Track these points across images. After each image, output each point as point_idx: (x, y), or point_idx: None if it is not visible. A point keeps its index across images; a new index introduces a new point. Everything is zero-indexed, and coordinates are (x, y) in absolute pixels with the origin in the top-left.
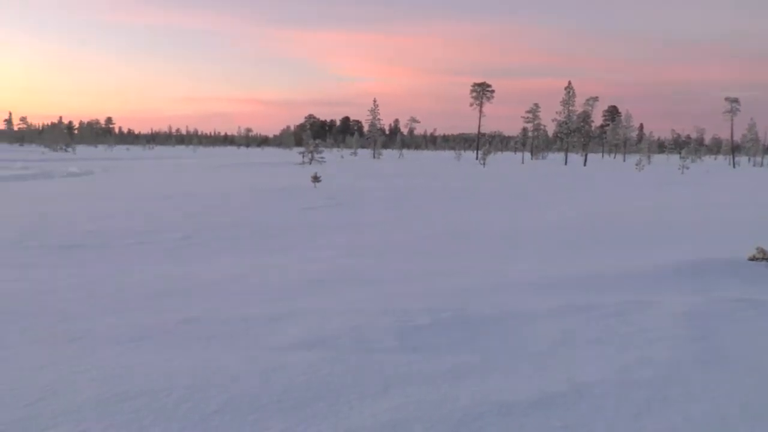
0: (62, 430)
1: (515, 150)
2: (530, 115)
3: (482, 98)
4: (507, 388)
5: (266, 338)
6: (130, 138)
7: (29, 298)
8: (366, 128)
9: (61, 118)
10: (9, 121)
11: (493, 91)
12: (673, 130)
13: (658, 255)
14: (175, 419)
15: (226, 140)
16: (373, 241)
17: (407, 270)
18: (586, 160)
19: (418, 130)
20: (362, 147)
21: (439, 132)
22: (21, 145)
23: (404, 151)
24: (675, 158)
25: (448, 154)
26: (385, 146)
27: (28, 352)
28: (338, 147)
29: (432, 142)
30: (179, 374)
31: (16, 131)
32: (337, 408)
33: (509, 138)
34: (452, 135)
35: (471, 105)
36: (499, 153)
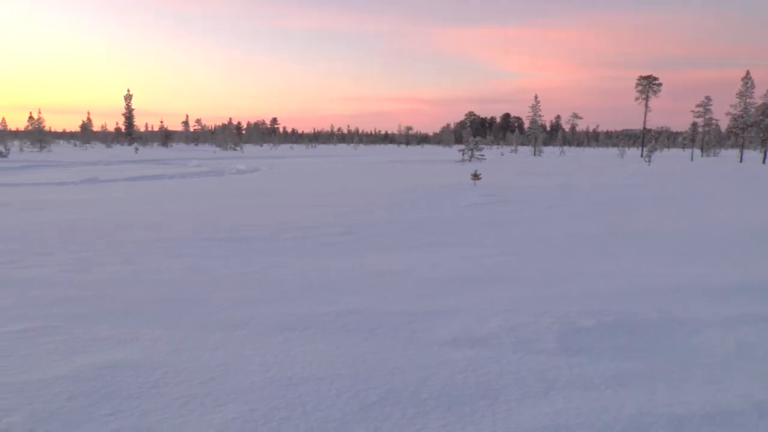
0: (232, 407)
1: (683, 146)
2: (701, 109)
3: (648, 92)
4: (676, 400)
5: (426, 334)
6: (293, 137)
7: (201, 286)
8: (526, 125)
9: (230, 119)
10: (186, 123)
11: (660, 85)
12: None
13: None
14: (336, 407)
15: (387, 138)
16: (531, 239)
17: (567, 269)
18: (765, 157)
19: (580, 127)
20: (522, 144)
21: (602, 128)
22: (196, 144)
23: (565, 148)
24: None
25: (611, 151)
26: (545, 143)
27: (201, 335)
28: (498, 144)
29: (594, 138)
30: (340, 364)
31: (191, 132)
32: (496, 408)
33: (677, 134)
34: (616, 131)
35: (636, 99)
36: (666, 150)
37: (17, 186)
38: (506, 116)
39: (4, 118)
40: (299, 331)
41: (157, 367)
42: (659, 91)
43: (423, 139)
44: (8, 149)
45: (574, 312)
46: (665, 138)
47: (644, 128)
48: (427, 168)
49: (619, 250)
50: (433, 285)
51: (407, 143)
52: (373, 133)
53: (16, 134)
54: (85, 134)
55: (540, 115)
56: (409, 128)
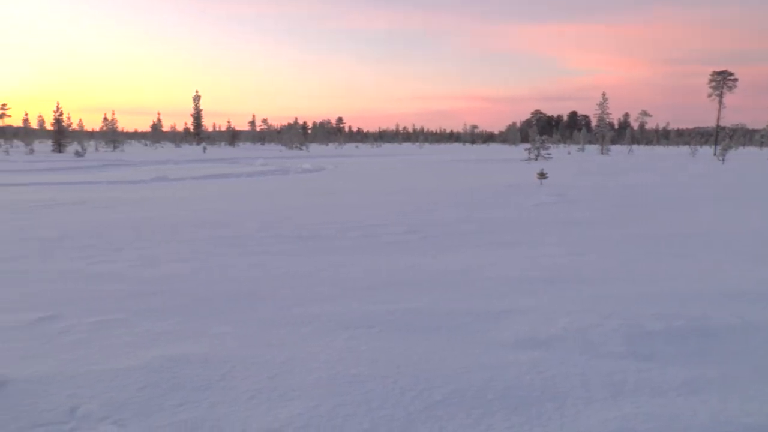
0: (298, 403)
1: (761, 144)
2: None
3: (722, 88)
4: (754, 410)
5: (490, 334)
6: (358, 136)
7: (267, 283)
8: (594, 123)
9: (296, 118)
10: (252, 123)
11: (735, 80)
12: None
13: None
14: (401, 405)
15: (452, 137)
16: (599, 239)
17: (635, 271)
18: None
19: (650, 124)
20: (590, 143)
21: (673, 126)
22: (262, 144)
23: (634, 146)
24: None
25: (682, 150)
26: (613, 142)
27: (268, 331)
28: (565, 143)
29: (664, 136)
30: (404, 362)
31: (258, 132)
32: (563, 411)
33: (754, 131)
34: (687, 129)
35: (709, 96)
36: (741, 148)
37: (93, 184)
38: (573, 114)
39: (81, 120)
40: (364, 329)
41: (225, 361)
42: (734, 87)
43: (488, 138)
44: (85, 149)
45: (643, 315)
46: (741, 135)
47: (718, 125)
48: (493, 167)
49: (691, 251)
50: (498, 285)
51: (472, 142)
52: (438, 131)
53: (92, 135)
54: (156, 134)
55: (608, 113)
56: (474, 127)
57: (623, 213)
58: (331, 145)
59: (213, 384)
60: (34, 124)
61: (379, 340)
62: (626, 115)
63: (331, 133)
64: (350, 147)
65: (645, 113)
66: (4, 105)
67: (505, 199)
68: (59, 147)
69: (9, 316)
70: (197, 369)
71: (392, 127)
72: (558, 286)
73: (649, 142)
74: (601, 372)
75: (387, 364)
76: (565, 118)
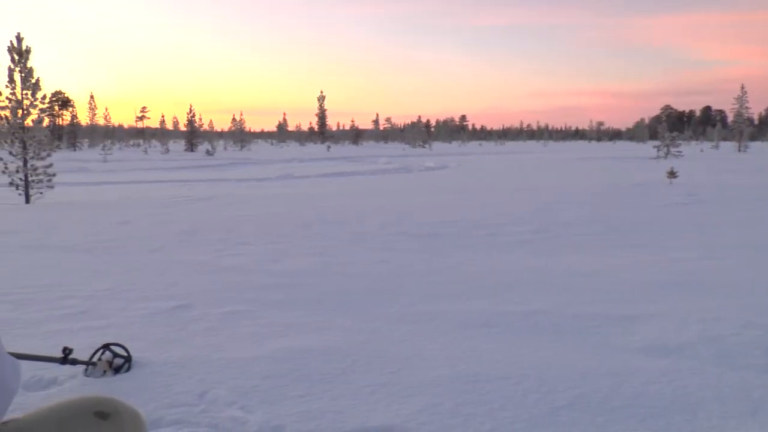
0: (419, 399)
1: None
2: None
3: None
4: None
5: (617, 339)
6: (482, 134)
7: (391, 279)
8: (730, 118)
9: (419, 117)
10: (376, 122)
11: None
12: None
13: None
14: (523, 407)
15: (577, 134)
16: (735, 243)
17: None
18: None
19: None
20: (725, 139)
21: None
22: (385, 142)
23: None
24: None
25: None
26: (752, 138)
27: (390, 327)
28: (697, 140)
29: None
30: (527, 364)
31: (381, 130)
32: (694, 424)
33: None
34: None
35: None
36: None
37: (222, 181)
38: (706, 109)
39: (211, 120)
40: (486, 329)
41: (347, 354)
42: None
43: (615, 135)
44: (214, 148)
45: None
46: None
47: None
48: (620, 165)
49: None
50: (627, 288)
51: (598, 139)
52: (562, 129)
53: (221, 135)
54: (281, 134)
55: (747, 107)
56: (600, 123)
57: (764, 216)
58: (454, 143)
59: (335, 377)
60: (169, 125)
61: (502, 340)
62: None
63: (454, 131)
64: (473, 145)
65: None
66: (143, 108)
67: (633, 199)
68: (191, 146)
69: (152, 303)
70: (320, 362)
71: (516, 125)
72: (690, 291)
73: None
74: (738, 386)
75: (509, 365)
76: (698, 113)
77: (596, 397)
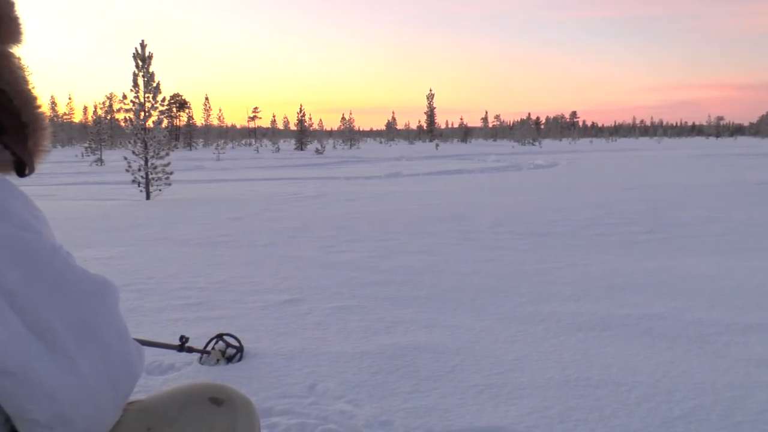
0: (527, 402)
1: None
2: None
3: None
4: None
5: (739, 349)
6: (593, 131)
7: (501, 279)
8: None
9: (529, 114)
10: (485, 119)
11: None
12: None
13: None
14: (636, 416)
15: (693, 130)
16: None
17: None
18: None
19: None
20: None
21: None
22: (494, 140)
23: None
24: None
25: None
26: None
27: (499, 326)
28: None
29: None
30: (641, 371)
31: (490, 128)
32: None
33: None
34: None
35: None
36: None
37: (331, 179)
38: None
39: (321, 120)
40: (598, 332)
41: (456, 353)
42: None
43: (736, 130)
44: (324, 147)
45: None
46: None
47: None
48: (742, 162)
49: None
50: (751, 294)
51: (717, 135)
52: (678, 124)
53: (330, 134)
54: (390, 132)
55: None
56: (719, 118)
57: None
58: (564, 141)
59: (443, 375)
60: (280, 125)
61: (614, 345)
62: None
63: (564, 128)
64: (584, 142)
65: None
66: (255, 108)
67: (756, 199)
68: (301, 145)
69: (263, 296)
70: (428, 359)
71: (628, 121)
72: None
73: None
74: None
75: (621, 370)
76: None
77: (716, 410)
